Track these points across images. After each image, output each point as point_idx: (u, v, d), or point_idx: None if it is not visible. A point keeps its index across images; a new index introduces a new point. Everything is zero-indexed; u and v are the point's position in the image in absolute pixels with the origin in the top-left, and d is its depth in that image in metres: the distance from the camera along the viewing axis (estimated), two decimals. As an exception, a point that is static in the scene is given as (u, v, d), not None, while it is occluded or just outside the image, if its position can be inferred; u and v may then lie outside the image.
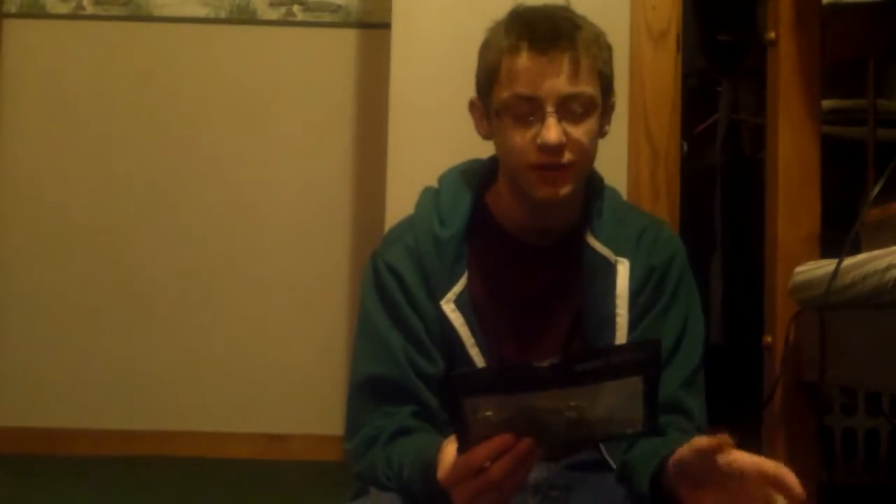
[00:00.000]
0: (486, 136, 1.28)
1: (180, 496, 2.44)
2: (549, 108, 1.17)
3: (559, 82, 1.17)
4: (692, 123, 2.54)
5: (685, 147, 2.39)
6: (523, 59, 1.18)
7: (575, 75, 1.18)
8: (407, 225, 1.32)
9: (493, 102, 1.23)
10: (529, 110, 1.19)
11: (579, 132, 1.19)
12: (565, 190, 1.22)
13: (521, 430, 0.99)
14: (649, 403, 0.98)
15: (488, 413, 0.99)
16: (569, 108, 1.18)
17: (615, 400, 0.98)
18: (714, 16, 2.58)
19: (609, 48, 1.25)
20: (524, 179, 1.22)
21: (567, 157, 1.19)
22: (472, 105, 1.30)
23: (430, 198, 1.32)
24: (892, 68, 2.40)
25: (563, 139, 1.17)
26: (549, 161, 1.19)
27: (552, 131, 1.17)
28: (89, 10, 3.08)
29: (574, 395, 0.97)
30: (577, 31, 1.20)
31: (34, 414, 2.98)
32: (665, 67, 2.27)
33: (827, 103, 2.00)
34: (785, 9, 1.68)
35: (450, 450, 1.06)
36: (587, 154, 1.22)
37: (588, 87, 1.19)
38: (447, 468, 1.05)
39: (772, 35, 1.69)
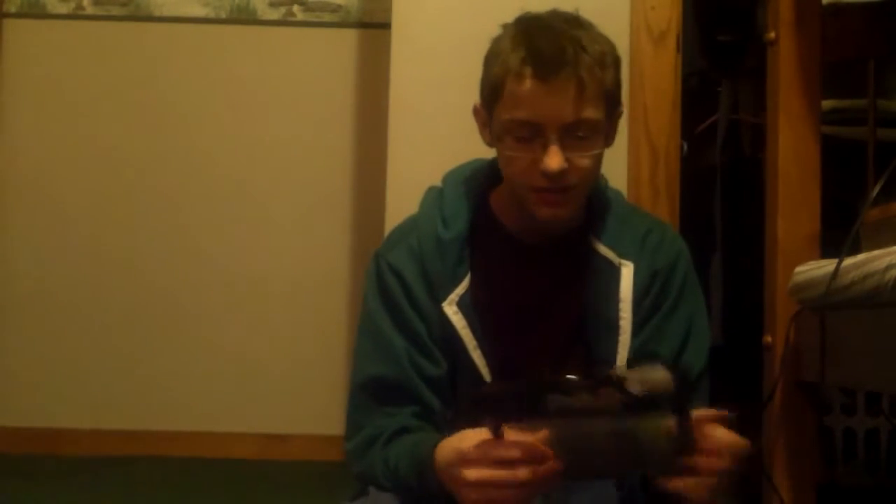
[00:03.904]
0: (490, 145, 1.27)
1: (180, 496, 2.44)
2: (552, 135, 1.15)
3: (562, 110, 1.15)
4: (692, 123, 2.54)
5: (685, 147, 2.39)
6: (526, 85, 1.15)
7: (579, 102, 1.15)
8: (410, 225, 1.32)
9: (494, 119, 1.21)
10: (532, 134, 1.17)
11: (582, 157, 1.18)
12: (566, 211, 1.22)
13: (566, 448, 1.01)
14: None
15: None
16: (572, 134, 1.16)
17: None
18: (714, 16, 2.58)
19: (616, 63, 1.21)
20: (526, 199, 1.21)
21: (569, 181, 1.18)
22: (476, 111, 1.28)
23: (434, 198, 1.32)
24: (892, 68, 2.39)
25: (565, 166, 1.16)
26: (551, 186, 1.18)
27: (554, 160, 1.15)
28: (89, 10, 3.08)
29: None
30: (582, 55, 1.15)
31: (34, 414, 2.98)
32: (665, 67, 2.27)
33: (827, 103, 2.00)
34: (785, 9, 1.67)
35: (457, 438, 1.06)
36: (590, 175, 1.22)
37: (592, 112, 1.17)
38: (454, 445, 1.05)
39: (772, 35, 1.69)
